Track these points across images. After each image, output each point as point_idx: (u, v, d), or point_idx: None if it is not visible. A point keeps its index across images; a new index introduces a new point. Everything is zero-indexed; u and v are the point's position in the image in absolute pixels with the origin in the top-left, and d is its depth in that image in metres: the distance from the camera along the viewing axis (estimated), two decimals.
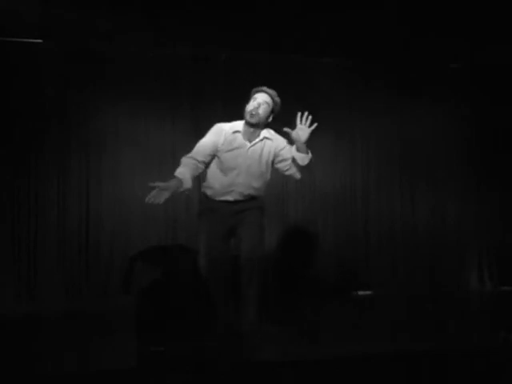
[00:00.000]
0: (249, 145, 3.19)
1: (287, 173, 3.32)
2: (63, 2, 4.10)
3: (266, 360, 2.82)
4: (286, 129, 3.13)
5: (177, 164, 3.20)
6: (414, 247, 5.43)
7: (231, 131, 3.19)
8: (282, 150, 3.25)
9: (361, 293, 5.21)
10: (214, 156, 3.21)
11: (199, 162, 3.15)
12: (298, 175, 3.30)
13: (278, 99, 3.24)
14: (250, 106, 3.17)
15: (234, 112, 3.41)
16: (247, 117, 3.16)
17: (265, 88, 3.21)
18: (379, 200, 5.45)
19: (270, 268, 4.86)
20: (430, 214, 5.51)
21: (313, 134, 3.17)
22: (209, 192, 3.31)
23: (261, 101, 3.16)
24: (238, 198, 3.25)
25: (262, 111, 3.15)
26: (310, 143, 3.21)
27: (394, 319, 3.99)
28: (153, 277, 4.26)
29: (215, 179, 3.25)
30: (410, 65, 5.41)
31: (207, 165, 3.22)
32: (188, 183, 3.00)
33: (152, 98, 4.92)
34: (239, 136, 3.19)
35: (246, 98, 3.26)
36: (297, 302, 4.69)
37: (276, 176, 3.57)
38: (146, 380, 2.57)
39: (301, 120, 3.12)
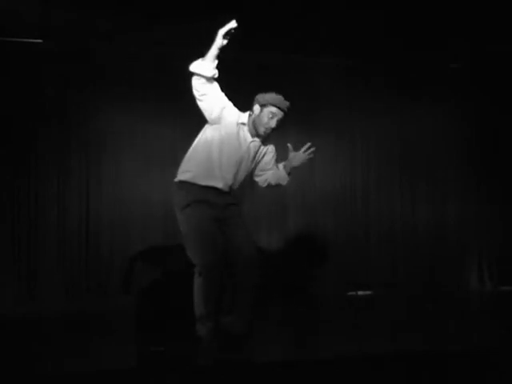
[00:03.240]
0: (250, 139, 3.19)
1: (256, 178, 3.32)
2: (63, 2, 4.10)
3: (265, 360, 2.82)
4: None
5: (177, 164, 3.17)
6: (414, 247, 5.43)
7: (240, 121, 3.18)
8: (266, 154, 3.26)
9: (361, 293, 5.21)
10: (214, 107, 3.17)
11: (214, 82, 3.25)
12: (264, 184, 3.32)
13: (287, 110, 3.19)
14: (266, 118, 3.11)
15: None
16: (260, 129, 3.11)
17: (284, 104, 3.12)
18: (379, 200, 5.45)
19: (269, 268, 4.86)
20: (430, 214, 5.51)
21: (313, 133, 3.18)
22: (189, 175, 3.10)
23: (278, 118, 3.13)
24: (225, 186, 3.11)
25: (275, 125, 3.14)
26: (311, 143, 3.21)
27: (393, 319, 3.99)
28: (153, 277, 4.25)
29: (203, 159, 3.10)
30: (410, 65, 5.41)
31: (203, 96, 3.26)
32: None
33: (152, 98, 4.92)
34: (245, 128, 3.19)
35: (246, 99, 3.22)
36: (296, 302, 4.69)
37: None
38: (146, 380, 2.56)
39: (305, 150, 3.18)
